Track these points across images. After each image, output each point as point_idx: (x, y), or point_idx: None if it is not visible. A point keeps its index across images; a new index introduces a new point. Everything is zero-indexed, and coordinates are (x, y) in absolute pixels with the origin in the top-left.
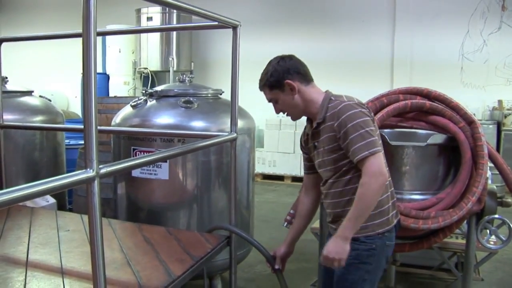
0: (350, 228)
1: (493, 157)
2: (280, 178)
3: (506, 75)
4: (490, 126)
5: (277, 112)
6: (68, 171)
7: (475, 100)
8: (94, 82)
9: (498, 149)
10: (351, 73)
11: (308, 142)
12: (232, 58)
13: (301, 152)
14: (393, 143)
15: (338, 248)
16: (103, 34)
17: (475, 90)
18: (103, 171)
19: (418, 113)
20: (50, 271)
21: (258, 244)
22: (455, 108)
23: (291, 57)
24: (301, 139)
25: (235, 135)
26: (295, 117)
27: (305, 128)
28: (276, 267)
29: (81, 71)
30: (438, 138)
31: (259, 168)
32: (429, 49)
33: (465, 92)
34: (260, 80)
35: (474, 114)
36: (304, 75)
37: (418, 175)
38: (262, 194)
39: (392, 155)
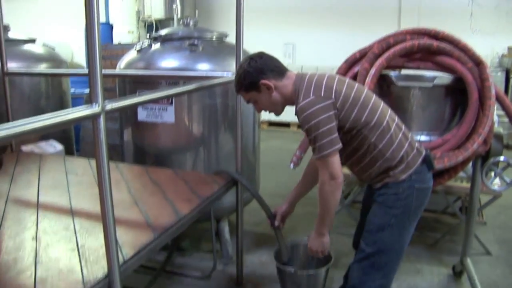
0: (322, 226)
1: (500, 99)
2: (286, 125)
3: None
4: (499, 73)
5: (259, 111)
6: None
7: (484, 47)
8: (97, 12)
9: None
10: (358, 21)
11: None
12: (237, 3)
13: None
14: (400, 83)
15: (317, 242)
16: None
17: (484, 36)
18: (108, 107)
19: (425, 54)
20: (60, 211)
21: (260, 198)
22: (463, 49)
23: (260, 56)
24: None
25: None
26: (278, 113)
27: None
28: (276, 223)
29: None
30: (445, 79)
31: (265, 115)
32: None
33: (474, 39)
34: (235, 85)
35: None
36: (277, 71)
37: (425, 116)
38: (268, 141)
39: (398, 96)
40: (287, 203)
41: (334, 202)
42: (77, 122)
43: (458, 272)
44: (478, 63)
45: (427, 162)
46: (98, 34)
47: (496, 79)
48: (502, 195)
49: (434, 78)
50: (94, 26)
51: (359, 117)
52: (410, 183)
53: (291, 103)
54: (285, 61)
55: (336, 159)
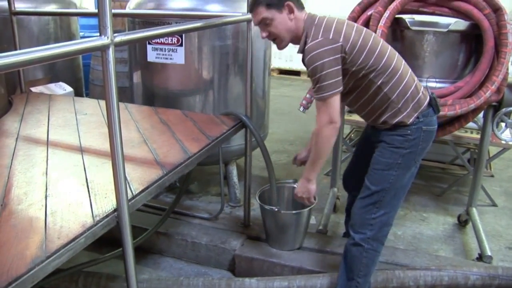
0: (311, 171)
1: None
2: (296, 73)
3: None
4: None
5: (264, 36)
6: (84, 64)
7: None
8: None
9: None
10: None
11: None
12: None
13: None
14: (414, 27)
15: (303, 188)
16: None
17: None
18: (117, 39)
19: None
20: (70, 149)
21: (263, 145)
22: None
23: None
24: None
25: (250, 15)
26: (283, 45)
27: None
28: (296, 164)
29: None
30: (460, 24)
31: (276, 63)
32: None
33: None
34: None
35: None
36: (300, 1)
37: (438, 62)
38: (278, 88)
39: (412, 41)
40: (306, 149)
41: (329, 147)
42: (87, 52)
43: (463, 222)
44: (496, 9)
45: (433, 105)
46: None
47: None
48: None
49: (449, 24)
50: None
51: (366, 61)
52: (418, 125)
53: (296, 40)
54: None
55: (336, 103)
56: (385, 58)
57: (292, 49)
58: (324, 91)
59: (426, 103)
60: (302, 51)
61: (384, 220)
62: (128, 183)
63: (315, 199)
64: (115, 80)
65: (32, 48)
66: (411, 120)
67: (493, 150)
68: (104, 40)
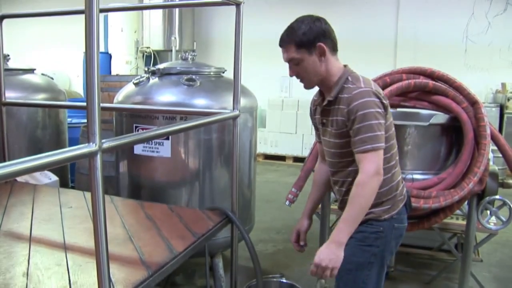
0: (345, 232)
1: (495, 138)
2: (282, 158)
3: (510, 57)
4: (493, 109)
5: (292, 74)
6: None
7: (478, 82)
8: (96, 53)
9: (500, 132)
10: (354, 53)
11: (316, 114)
12: (236, 35)
13: (303, 133)
14: (396, 122)
15: (331, 255)
16: (106, 10)
17: (479, 72)
18: (105, 145)
19: (421, 93)
20: (53, 246)
21: (250, 243)
22: (458, 89)
23: (325, 21)
24: (310, 106)
25: (237, 112)
26: (310, 85)
27: (314, 96)
28: (302, 243)
29: (84, 50)
30: (440, 118)
31: (261, 148)
32: (433, 30)
33: (469, 75)
34: (287, 35)
35: None
36: (334, 44)
37: (420, 155)
38: (264, 174)
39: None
40: (305, 217)
41: (370, 201)
42: (74, 161)
43: None
44: (473, 102)
45: (407, 203)
46: (97, 79)
47: (490, 114)
48: (498, 233)
49: (430, 117)
50: (94, 71)
51: (387, 131)
52: (390, 222)
53: (326, 85)
54: (281, 95)
55: (382, 155)
56: (392, 140)
57: (277, 135)
58: (377, 142)
59: (403, 203)
60: (334, 98)
61: None
62: (113, 285)
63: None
64: (102, 186)
65: (17, 159)
66: (386, 216)
67: (480, 235)
68: (92, 147)
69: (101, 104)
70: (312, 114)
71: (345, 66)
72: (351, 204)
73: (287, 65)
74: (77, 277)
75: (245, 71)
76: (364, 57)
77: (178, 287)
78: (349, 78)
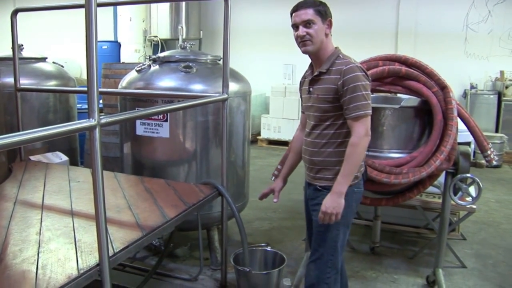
0: (344, 184)
1: (465, 120)
2: (284, 143)
3: (509, 46)
4: (491, 96)
5: (302, 33)
6: (80, 134)
7: (478, 70)
8: (95, 40)
9: (498, 119)
10: (355, 43)
11: (303, 85)
12: (224, 26)
13: None
14: (373, 105)
15: (334, 203)
16: (113, 4)
17: (478, 60)
18: (103, 120)
19: (395, 78)
20: (62, 212)
21: (235, 209)
22: (430, 74)
23: None
24: (300, 81)
25: (226, 96)
26: (313, 47)
27: (305, 72)
28: (275, 200)
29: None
30: (412, 101)
31: (265, 134)
32: (433, 19)
33: (468, 63)
34: (307, 2)
35: (476, 84)
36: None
37: (395, 135)
38: (266, 158)
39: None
40: (281, 179)
41: (362, 158)
42: (77, 132)
43: (431, 282)
44: (442, 87)
45: (364, 172)
46: (95, 63)
47: (489, 102)
48: (485, 213)
49: (401, 100)
50: (92, 56)
51: None
52: (351, 188)
53: (318, 56)
54: (284, 81)
55: (370, 120)
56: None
57: (280, 121)
58: (367, 109)
59: (362, 173)
60: (326, 70)
61: (337, 278)
62: (111, 242)
63: (282, 256)
64: (100, 156)
65: (30, 129)
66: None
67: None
68: (92, 122)
69: (107, 89)
70: (301, 86)
71: (336, 48)
72: (347, 161)
73: (290, 53)
74: (82, 235)
75: (249, 59)
76: (365, 45)
77: (178, 258)
78: (340, 55)
